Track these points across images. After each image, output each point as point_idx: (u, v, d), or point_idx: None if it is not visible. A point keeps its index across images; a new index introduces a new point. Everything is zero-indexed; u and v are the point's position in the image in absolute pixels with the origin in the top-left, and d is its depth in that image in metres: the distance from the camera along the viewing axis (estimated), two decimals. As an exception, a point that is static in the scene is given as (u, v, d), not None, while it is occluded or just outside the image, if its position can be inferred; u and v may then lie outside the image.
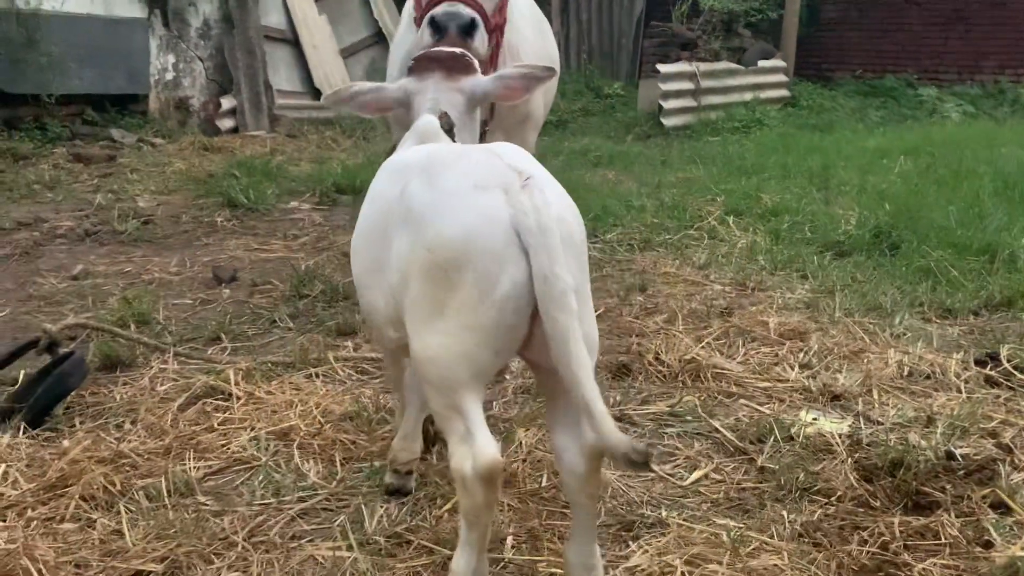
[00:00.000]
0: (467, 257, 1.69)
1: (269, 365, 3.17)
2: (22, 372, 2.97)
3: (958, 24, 13.13)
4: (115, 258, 4.93)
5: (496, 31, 3.15)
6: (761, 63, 11.96)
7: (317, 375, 3.14)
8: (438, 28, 2.79)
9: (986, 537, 2.10)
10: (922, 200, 5.84)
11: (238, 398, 2.84)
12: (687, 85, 10.93)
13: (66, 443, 2.46)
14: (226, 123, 10.19)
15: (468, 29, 2.77)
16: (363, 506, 2.22)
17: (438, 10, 2.83)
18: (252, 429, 2.64)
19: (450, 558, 1.84)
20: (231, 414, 2.75)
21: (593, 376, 1.66)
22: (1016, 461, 2.51)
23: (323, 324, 3.74)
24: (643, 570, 2.00)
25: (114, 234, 5.42)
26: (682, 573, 1.97)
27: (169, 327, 3.66)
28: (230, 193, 6.31)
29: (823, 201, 6.33)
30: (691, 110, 10.94)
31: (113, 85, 9.14)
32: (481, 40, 2.86)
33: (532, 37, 3.92)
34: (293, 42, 11.51)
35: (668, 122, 10.67)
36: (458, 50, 2.46)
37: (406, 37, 3.50)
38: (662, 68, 10.76)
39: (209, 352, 3.39)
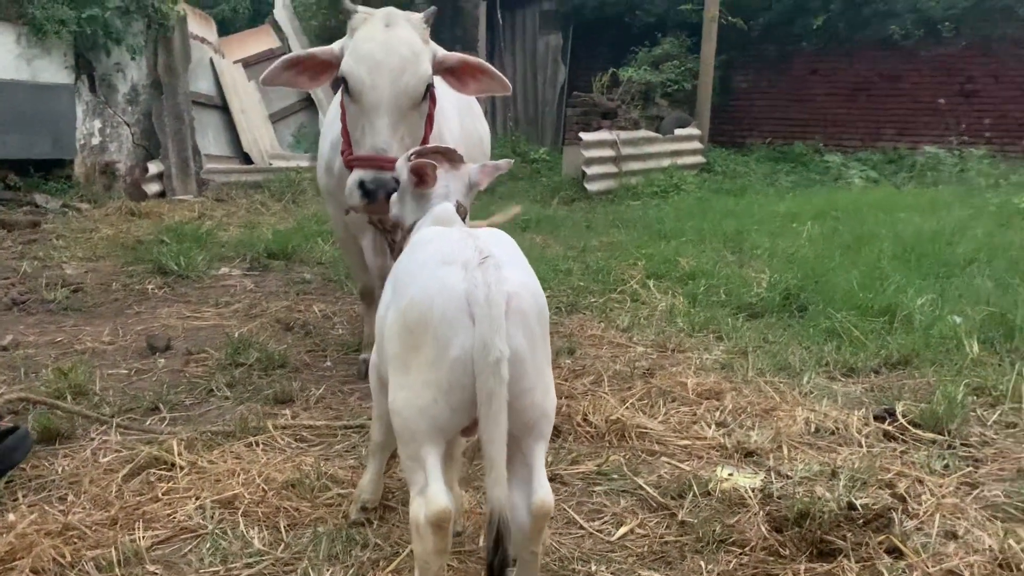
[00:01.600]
0: (427, 320, 1.93)
1: (210, 434, 3.24)
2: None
3: (859, 95, 14.02)
4: (45, 328, 4.93)
5: (428, 121, 3.41)
6: (677, 131, 12.54)
7: (257, 443, 3.23)
8: (368, 193, 3.10)
9: (881, 579, 2.32)
10: (828, 264, 6.24)
11: (181, 468, 2.92)
12: (608, 152, 11.39)
13: (11, 516, 2.51)
14: (153, 188, 10.19)
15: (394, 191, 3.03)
16: (310, 570, 2.33)
17: (367, 177, 3.12)
18: (197, 498, 2.72)
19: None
20: (175, 484, 2.82)
21: (503, 440, 1.86)
22: (910, 509, 2.75)
23: (261, 393, 3.83)
24: (575, 622, 2.16)
25: (42, 303, 5.40)
26: (611, 623, 2.13)
27: (107, 398, 3.70)
28: (161, 260, 6.35)
29: (737, 264, 6.69)
30: (613, 175, 11.39)
31: (37, 150, 9.09)
32: None
33: (455, 119, 4.17)
34: (222, 107, 11.63)
35: (591, 187, 11.08)
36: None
37: (334, 126, 3.72)
38: (584, 136, 11.21)
39: (148, 422, 3.45)
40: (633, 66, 13.45)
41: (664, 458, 3.22)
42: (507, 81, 3.58)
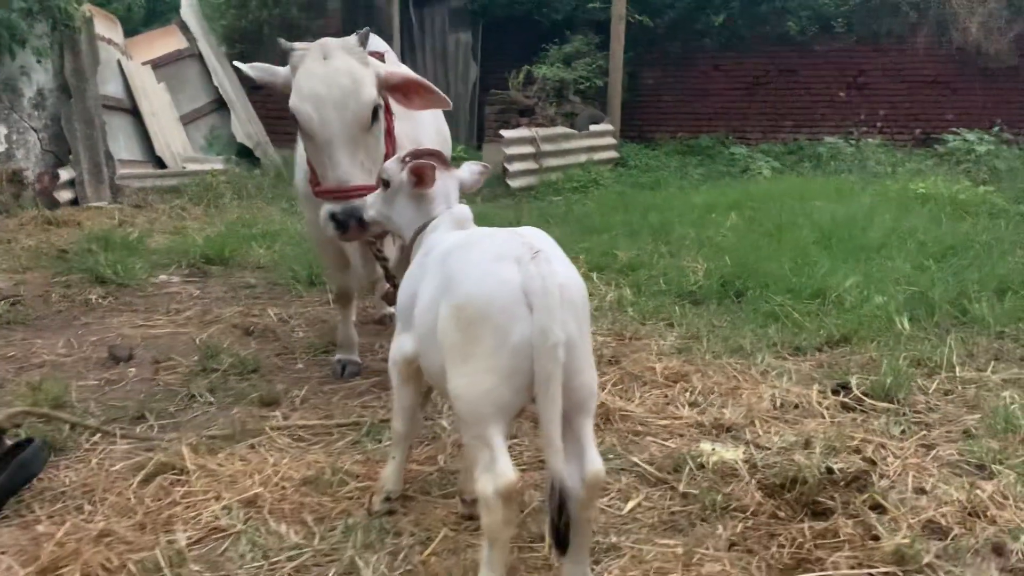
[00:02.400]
0: (487, 312, 2.10)
1: (208, 439, 3.28)
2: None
3: (758, 89, 14.65)
4: (-7, 342, 4.79)
5: (388, 137, 3.55)
6: (592, 127, 12.86)
7: (257, 445, 3.29)
8: (340, 224, 3.28)
9: (873, 532, 2.58)
10: (756, 252, 6.59)
11: (192, 472, 2.95)
12: (529, 149, 11.61)
13: (41, 528, 2.51)
14: (64, 195, 9.83)
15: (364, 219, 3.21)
16: (356, 558, 2.43)
17: (336, 209, 3.30)
18: (218, 499, 2.77)
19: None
20: (191, 487, 2.86)
21: (560, 417, 2.05)
22: (880, 471, 3.04)
23: (244, 396, 3.86)
24: (613, 588, 2.34)
25: (-17, 317, 5.24)
26: (644, 587, 2.32)
27: (88, 409, 3.67)
28: (96, 269, 6.20)
29: (669, 255, 6.99)
30: (534, 172, 11.61)
31: (-59, 159, 8.67)
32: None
33: (431, 122, 4.30)
34: (132, 111, 11.30)
35: (514, 183, 11.27)
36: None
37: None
38: (505, 133, 11.40)
39: (138, 431, 3.45)
40: (546, 64, 13.70)
41: (649, 437, 3.43)
42: (447, 98, 3.70)
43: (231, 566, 2.42)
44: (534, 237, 2.27)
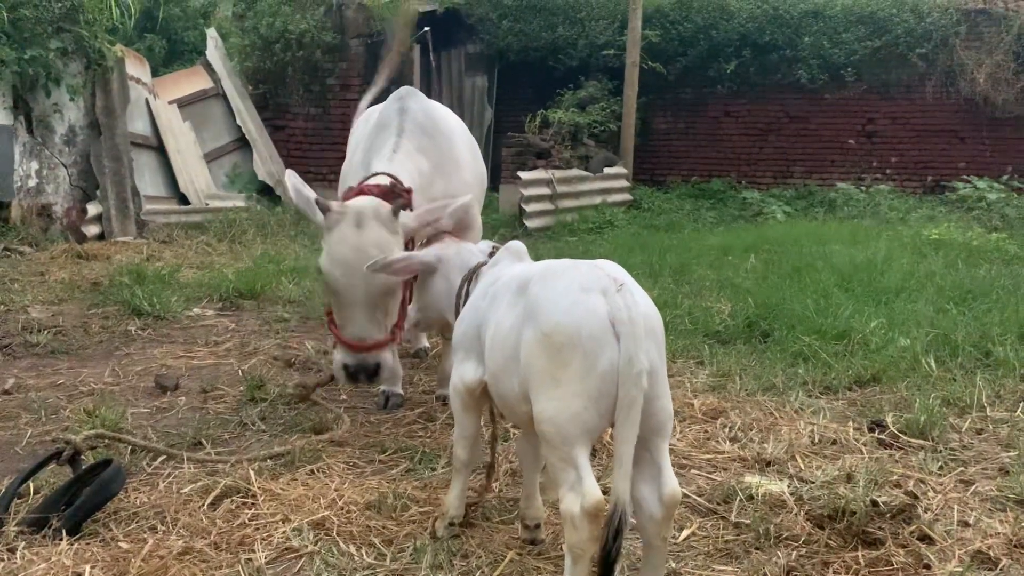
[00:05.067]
0: (576, 340, 2.22)
1: (270, 464, 3.38)
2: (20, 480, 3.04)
3: (769, 135, 14.90)
4: (40, 370, 4.90)
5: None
6: (606, 170, 13.08)
7: (316, 471, 3.38)
8: (351, 376, 3.64)
9: (925, 561, 2.67)
10: (778, 293, 6.71)
11: (259, 495, 3.05)
12: (545, 190, 11.81)
13: (124, 544, 2.61)
14: (91, 229, 10.00)
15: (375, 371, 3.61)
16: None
17: (350, 361, 3.62)
18: (287, 521, 2.86)
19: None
20: (258, 510, 2.95)
21: (634, 441, 2.19)
22: (924, 505, 3.13)
23: (296, 425, 3.96)
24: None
25: (27, 346, 5.35)
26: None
27: (146, 435, 3.77)
28: (133, 302, 6.34)
29: (692, 295, 7.12)
30: (550, 212, 11.80)
31: (-26, 193, 8.86)
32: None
33: (468, 165, 4.48)
34: (157, 147, 11.52)
35: (531, 224, 11.45)
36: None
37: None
38: (523, 175, 11.61)
39: (200, 454, 3.55)
40: (560, 108, 13.97)
41: (694, 471, 3.53)
42: (462, 204, 3.87)
43: (311, 584, 2.51)
44: (614, 270, 2.40)
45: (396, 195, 3.74)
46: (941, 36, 13.55)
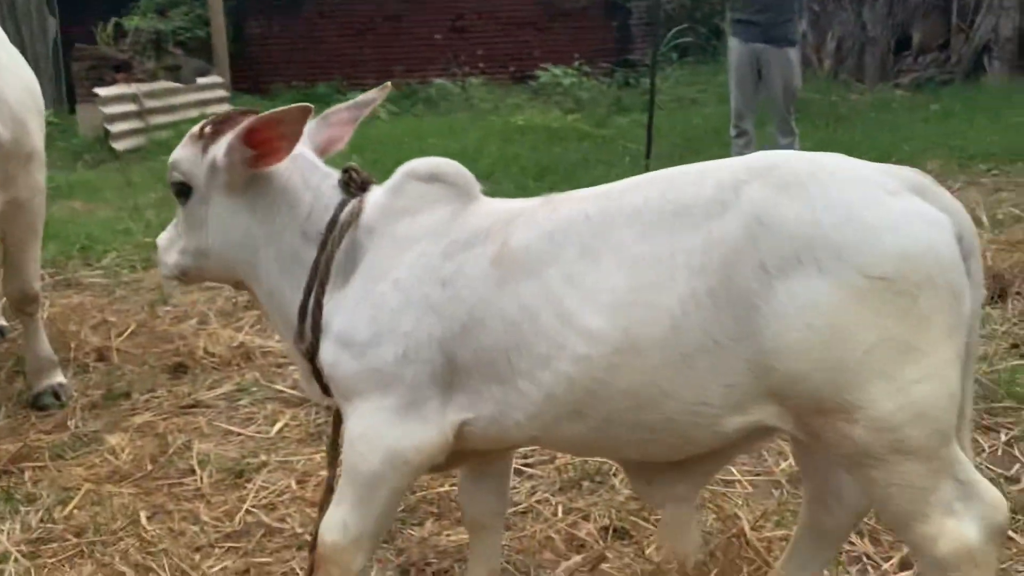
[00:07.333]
0: (937, 274, 1.43)
1: None
2: None
3: (367, 35, 14.93)
4: None
5: None
6: (200, 80, 12.26)
7: None
8: None
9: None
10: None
11: None
12: (131, 107, 10.80)
13: None
14: None
15: None
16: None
17: None
18: None
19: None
20: None
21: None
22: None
23: None
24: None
25: None
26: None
27: None
28: None
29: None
30: (141, 131, 10.85)
31: None
32: None
33: (12, 73, 3.68)
34: None
35: (119, 145, 10.43)
36: None
37: None
38: (101, 91, 10.48)
39: None
40: (136, 14, 12.75)
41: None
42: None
43: None
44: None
45: None
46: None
